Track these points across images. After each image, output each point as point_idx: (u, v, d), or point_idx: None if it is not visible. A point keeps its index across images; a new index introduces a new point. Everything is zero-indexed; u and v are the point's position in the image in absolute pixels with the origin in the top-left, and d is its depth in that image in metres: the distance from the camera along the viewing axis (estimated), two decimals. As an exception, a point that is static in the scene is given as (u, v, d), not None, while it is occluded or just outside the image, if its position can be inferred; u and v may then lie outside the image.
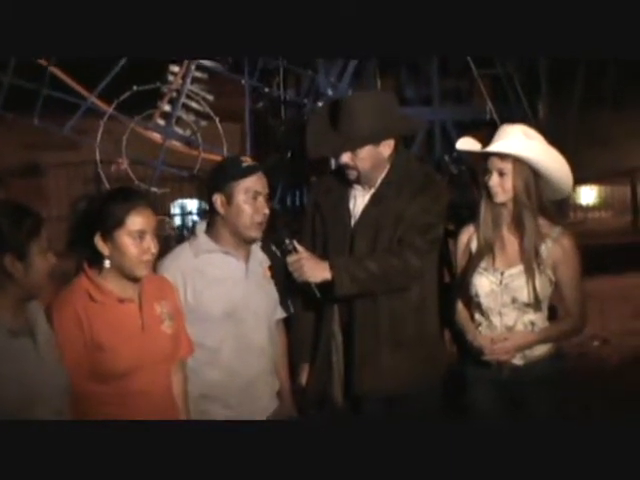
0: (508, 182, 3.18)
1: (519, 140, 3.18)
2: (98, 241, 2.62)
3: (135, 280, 2.69)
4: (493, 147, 3.20)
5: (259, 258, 3.16)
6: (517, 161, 3.15)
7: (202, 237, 3.08)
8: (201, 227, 3.12)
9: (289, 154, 7.78)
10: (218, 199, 3.01)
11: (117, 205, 2.63)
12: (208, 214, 3.14)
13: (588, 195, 17.72)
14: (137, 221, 2.62)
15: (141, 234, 2.63)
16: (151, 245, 2.65)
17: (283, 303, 3.26)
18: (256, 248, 3.16)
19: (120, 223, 2.61)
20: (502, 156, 3.17)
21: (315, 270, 3.10)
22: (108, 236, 2.62)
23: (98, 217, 2.63)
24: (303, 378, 3.45)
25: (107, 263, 2.63)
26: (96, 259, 2.65)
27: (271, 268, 3.18)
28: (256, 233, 3.05)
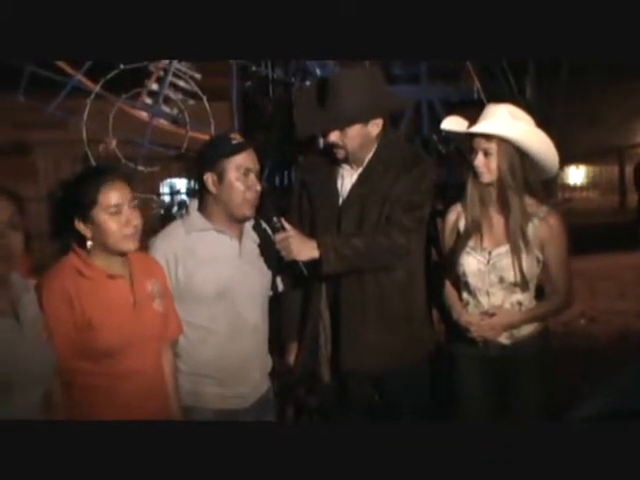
0: (493, 162, 3.18)
1: (504, 120, 3.17)
2: (79, 224, 2.61)
3: (122, 256, 2.67)
4: (477, 127, 3.19)
5: (253, 237, 3.14)
6: (502, 141, 3.15)
7: (195, 215, 3.05)
8: (194, 205, 3.09)
9: (277, 133, 7.75)
10: (209, 177, 2.98)
11: (88, 185, 2.61)
12: (199, 193, 3.10)
13: (575, 175, 17.77)
14: (110, 196, 2.60)
15: (117, 208, 2.61)
16: (131, 217, 2.63)
17: (272, 282, 3.24)
18: (249, 226, 3.13)
19: (94, 201, 2.59)
20: (487, 136, 3.16)
21: (302, 248, 3.09)
22: (86, 217, 2.60)
23: (73, 201, 2.61)
24: (291, 356, 3.46)
25: (89, 244, 2.62)
26: (82, 242, 2.64)
27: (262, 246, 3.16)
28: (249, 211, 3.02)
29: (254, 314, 3.08)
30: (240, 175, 2.97)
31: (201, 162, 3.04)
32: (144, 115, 8.03)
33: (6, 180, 2.34)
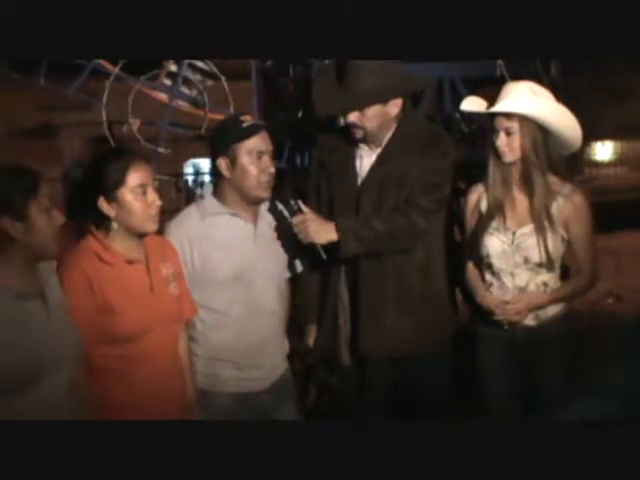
0: (515, 141, 3.13)
1: (525, 98, 3.12)
2: (102, 204, 2.63)
3: (140, 239, 2.70)
4: (498, 107, 3.15)
5: (268, 219, 3.13)
6: (523, 119, 3.10)
7: (209, 199, 3.05)
8: (208, 189, 3.10)
9: (297, 113, 7.70)
10: (222, 162, 2.98)
11: (114, 165, 2.64)
12: (213, 177, 3.11)
13: (602, 151, 17.58)
14: (136, 176, 2.64)
15: (143, 189, 2.65)
16: (155, 198, 2.67)
17: (290, 263, 3.23)
18: (264, 209, 3.12)
19: (121, 181, 2.62)
20: (508, 115, 3.12)
21: (320, 231, 3.07)
22: (111, 197, 2.63)
23: (97, 180, 2.64)
24: (310, 339, 3.46)
25: (114, 225, 2.64)
26: (102, 222, 2.66)
27: (279, 229, 3.14)
28: (264, 193, 3.01)
29: (270, 297, 3.08)
30: (253, 158, 2.96)
31: (213, 147, 3.03)
32: (163, 97, 8.03)
33: (32, 162, 2.33)
